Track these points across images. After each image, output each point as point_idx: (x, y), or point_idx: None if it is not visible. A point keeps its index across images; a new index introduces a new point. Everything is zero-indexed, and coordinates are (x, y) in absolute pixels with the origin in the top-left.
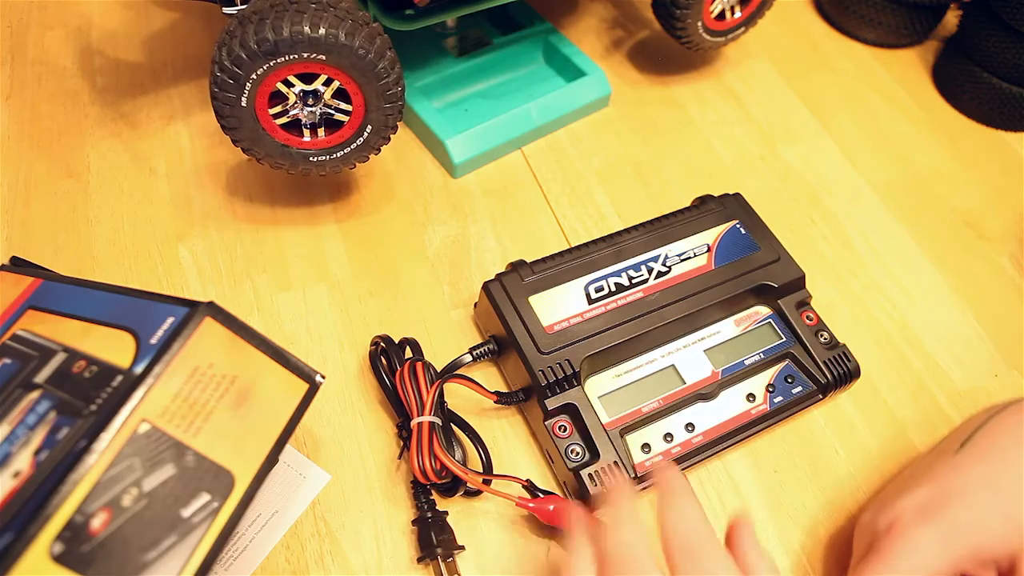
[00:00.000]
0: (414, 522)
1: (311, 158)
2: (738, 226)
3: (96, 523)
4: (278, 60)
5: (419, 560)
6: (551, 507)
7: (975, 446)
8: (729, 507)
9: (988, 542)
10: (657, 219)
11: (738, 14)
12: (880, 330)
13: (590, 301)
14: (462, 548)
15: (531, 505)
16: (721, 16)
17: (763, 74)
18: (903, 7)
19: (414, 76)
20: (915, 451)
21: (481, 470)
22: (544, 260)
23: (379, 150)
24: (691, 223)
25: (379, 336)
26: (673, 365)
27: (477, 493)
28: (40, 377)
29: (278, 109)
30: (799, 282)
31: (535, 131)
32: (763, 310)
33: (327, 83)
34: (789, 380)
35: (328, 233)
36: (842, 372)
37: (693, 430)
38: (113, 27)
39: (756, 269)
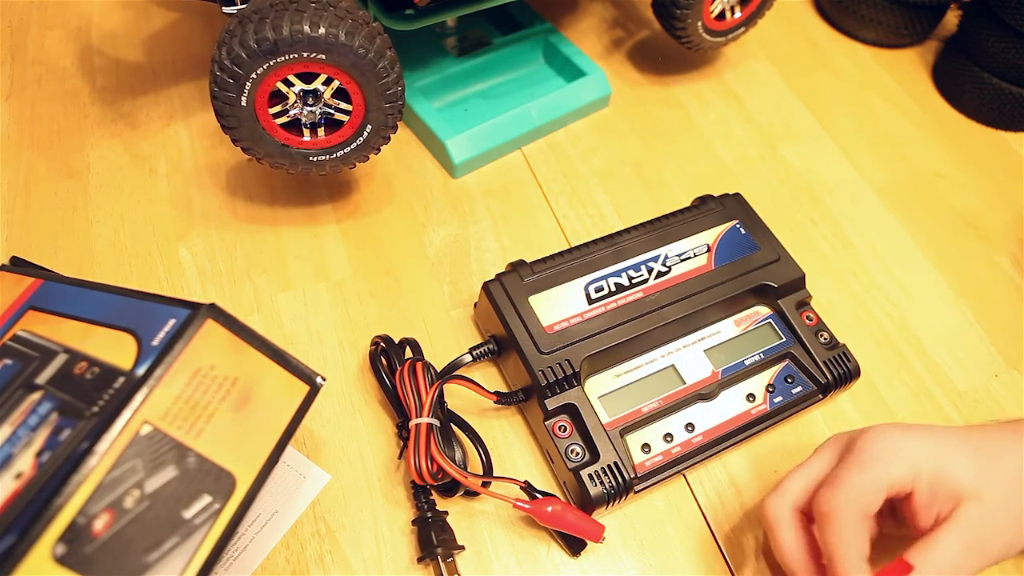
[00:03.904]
0: (414, 522)
1: (311, 158)
2: (738, 226)
3: (98, 524)
4: (278, 59)
5: (419, 560)
6: (548, 508)
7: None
8: (729, 507)
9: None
10: (657, 219)
11: (738, 14)
12: (880, 330)
13: (590, 301)
14: (462, 548)
15: (528, 507)
16: (721, 16)
17: (763, 74)
18: (903, 7)
19: (414, 76)
20: None
21: (481, 470)
22: (544, 260)
23: (379, 150)
24: (691, 223)
25: (379, 336)
26: (673, 365)
27: (477, 493)
28: (42, 378)
29: (278, 109)
30: (799, 282)
31: (535, 131)
32: (763, 310)
33: (327, 82)
34: (789, 380)
35: (328, 233)
36: (842, 372)
37: (693, 430)
38: (113, 27)
39: (756, 269)
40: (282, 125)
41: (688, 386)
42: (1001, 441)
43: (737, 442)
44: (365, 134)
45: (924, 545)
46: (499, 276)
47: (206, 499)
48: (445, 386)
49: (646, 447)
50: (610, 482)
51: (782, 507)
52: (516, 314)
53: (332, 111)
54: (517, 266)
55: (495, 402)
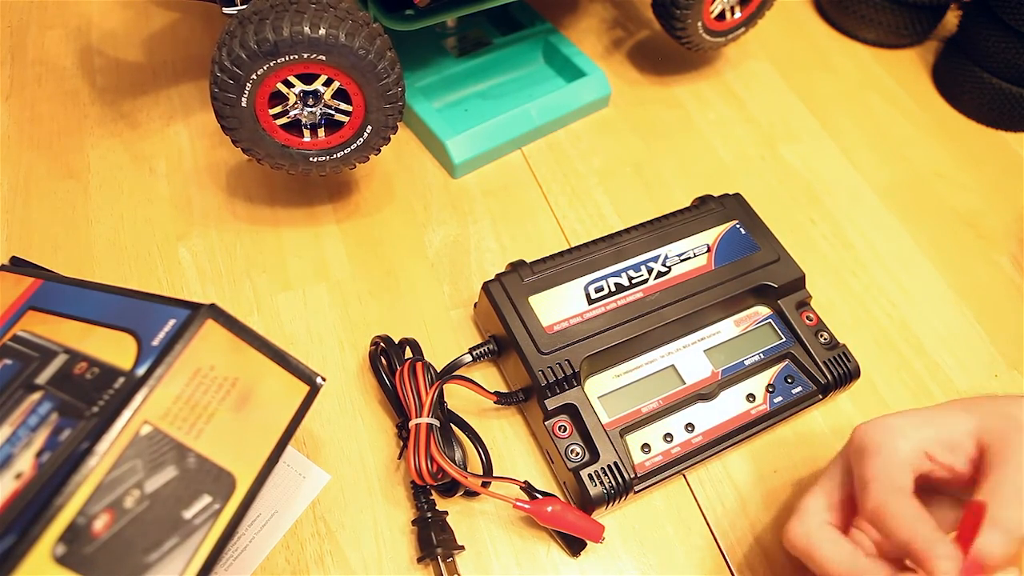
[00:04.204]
0: (414, 522)
1: (311, 158)
2: (738, 226)
3: (98, 525)
4: (278, 60)
5: (419, 560)
6: (548, 508)
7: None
8: (729, 507)
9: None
10: (657, 219)
11: (738, 14)
12: (880, 330)
13: (590, 301)
14: (462, 548)
15: (528, 507)
16: (721, 16)
17: (763, 74)
18: (903, 7)
19: (414, 76)
20: None
21: (481, 471)
22: (544, 260)
23: (379, 150)
24: (691, 223)
25: (379, 336)
26: (673, 365)
27: (477, 493)
28: (41, 378)
29: (278, 109)
30: (799, 282)
31: (535, 131)
32: (763, 310)
33: (327, 83)
34: (789, 380)
35: (328, 233)
36: (842, 372)
37: (693, 430)
38: (113, 27)
39: (756, 269)
40: (282, 126)
41: (688, 386)
42: (985, 402)
43: (737, 442)
44: (365, 135)
45: (983, 482)
46: (499, 276)
47: (206, 499)
48: (445, 386)
49: (646, 447)
50: (610, 482)
51: (811, 525)
52: (516, 314)
53: (332, 112)
54: (517, 266)
55: (495, 402)
